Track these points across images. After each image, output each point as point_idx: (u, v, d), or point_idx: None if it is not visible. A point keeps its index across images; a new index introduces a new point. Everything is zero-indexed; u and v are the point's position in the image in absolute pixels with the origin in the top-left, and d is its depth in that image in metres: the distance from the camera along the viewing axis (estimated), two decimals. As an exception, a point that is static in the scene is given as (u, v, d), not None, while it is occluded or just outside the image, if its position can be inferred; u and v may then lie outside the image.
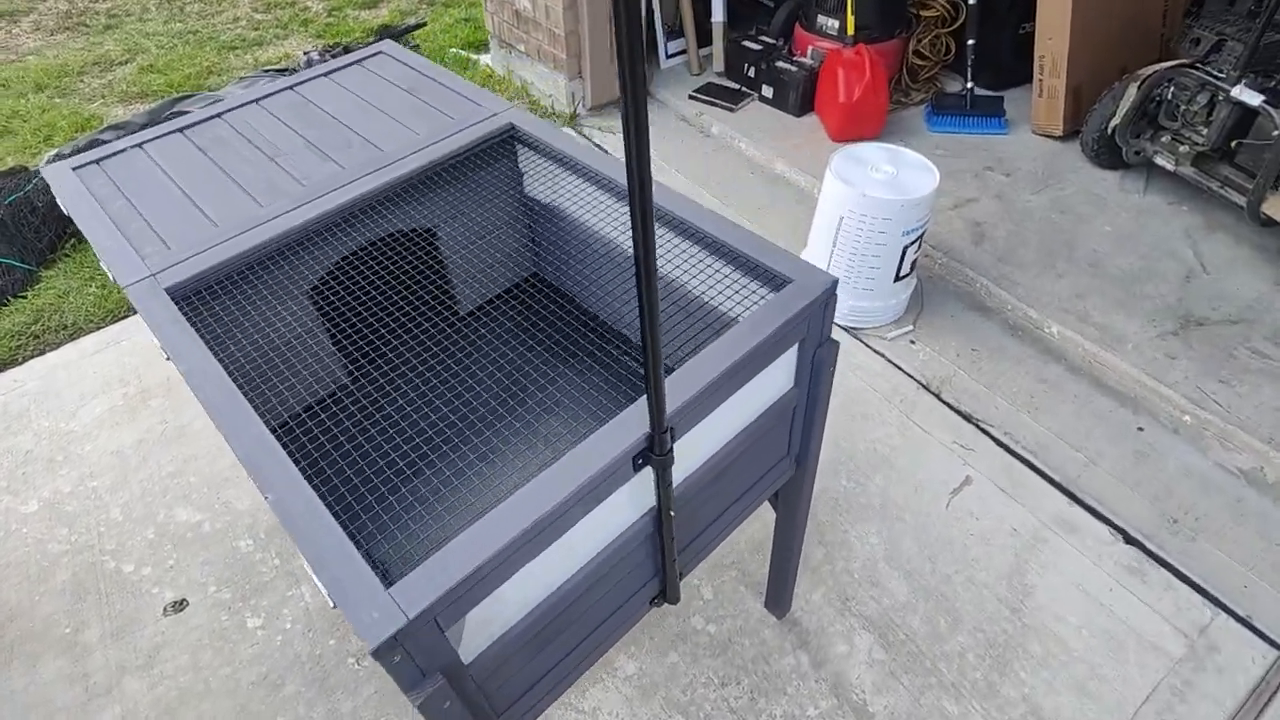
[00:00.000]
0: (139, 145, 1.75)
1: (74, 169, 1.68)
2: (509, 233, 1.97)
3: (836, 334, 2.94)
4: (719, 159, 3.90)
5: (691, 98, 4.19)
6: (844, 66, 3.65)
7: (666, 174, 3.80)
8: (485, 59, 4.80)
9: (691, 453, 1.25)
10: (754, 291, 1.39)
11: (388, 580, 0.93)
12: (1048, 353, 2.86)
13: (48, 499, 2.56)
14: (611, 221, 1.72)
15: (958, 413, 2.65)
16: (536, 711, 1.27)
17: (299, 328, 1.67)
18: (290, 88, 1.93)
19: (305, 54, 4.71)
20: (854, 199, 2.63)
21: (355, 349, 1.85)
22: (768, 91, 4.08)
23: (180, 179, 1.64)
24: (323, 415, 1.78)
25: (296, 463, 1.10)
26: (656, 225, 1.44)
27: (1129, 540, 2.28)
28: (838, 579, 2.23)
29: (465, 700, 1.06)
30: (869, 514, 2.38)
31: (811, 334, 1.34)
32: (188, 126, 1.80)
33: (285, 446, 1.11)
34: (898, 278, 2.83)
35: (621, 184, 1.64)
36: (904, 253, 2.74)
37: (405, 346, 1.95)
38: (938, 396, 2.71)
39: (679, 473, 1.24)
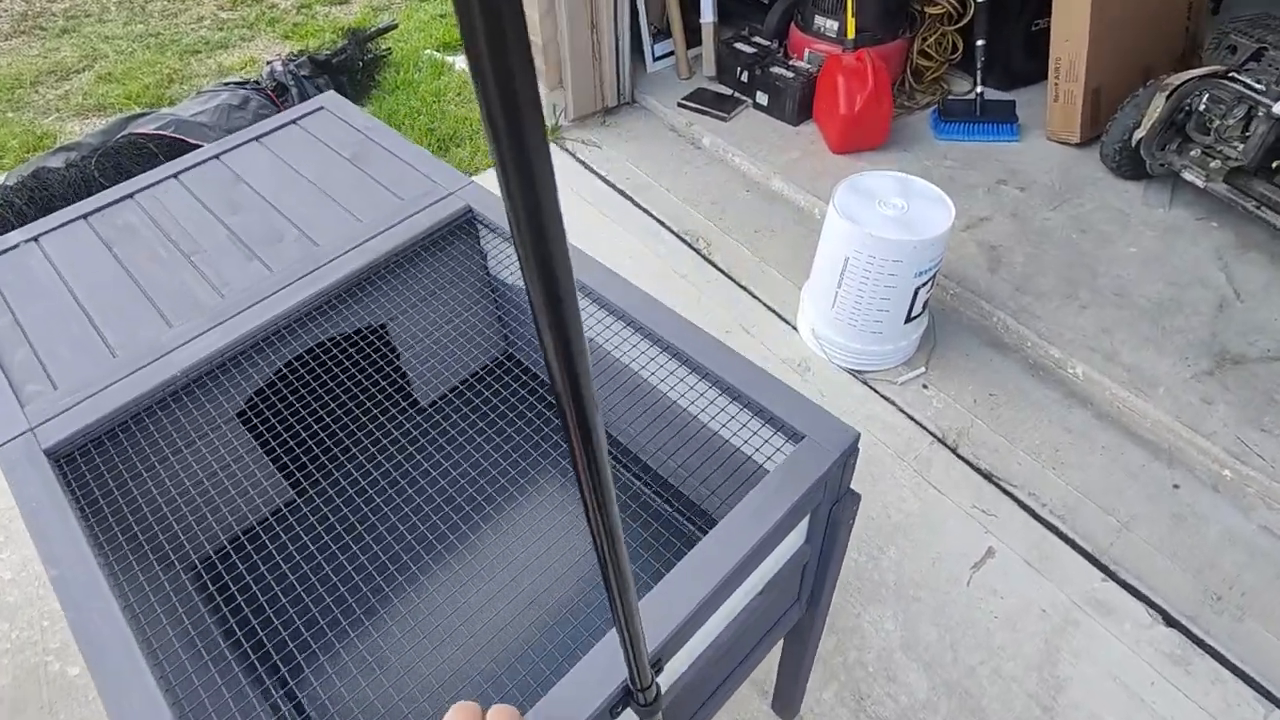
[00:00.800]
0: (34, 238, 1.50)
1: (-41, 271, 1.44)
2: (472, 317, 1.73)
3: (842, 381, 2.71)
4: (711, 174, 3.63)
5: (681, 105, 3.91)
6: (844, 74, 3.37)
7: (655, 192, 3.54)
8: (461, 62, 4.50)
9: (684, 659, 1.03)
10: (765, 441, 1.16)
11: None
12: (1072, 396, 2.64)
13: (-14, 593, 2.34)
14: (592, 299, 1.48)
15: (977, 470, 2.44)
16: None
17: (225, 456, 1.44)
18: (216, 157, 1.68)
19: (269, 64, 4.40)
20: (860, 239, 2.39)
21: (296, 465, 1.62)
22: (762, 99, 3.80)
23: (78, 287, 1.40)
24: (256, 544, 1.56)
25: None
26: (658, 351, 1.22)
27: (1169, 622, 2.08)
28: (850, 673, 2.03)
29: None
30: (883, 594, 2.17)
31: (829, 494, 1.12)
32: (92, 212, 1.55)
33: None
34: (909, 319, 2.59)
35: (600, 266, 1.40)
36: (916, 294, 2.50)
37: (358, 451, 1.73)
38: (954, 451, 2.49)
39: (669, 676, 1.02)
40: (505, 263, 1.66)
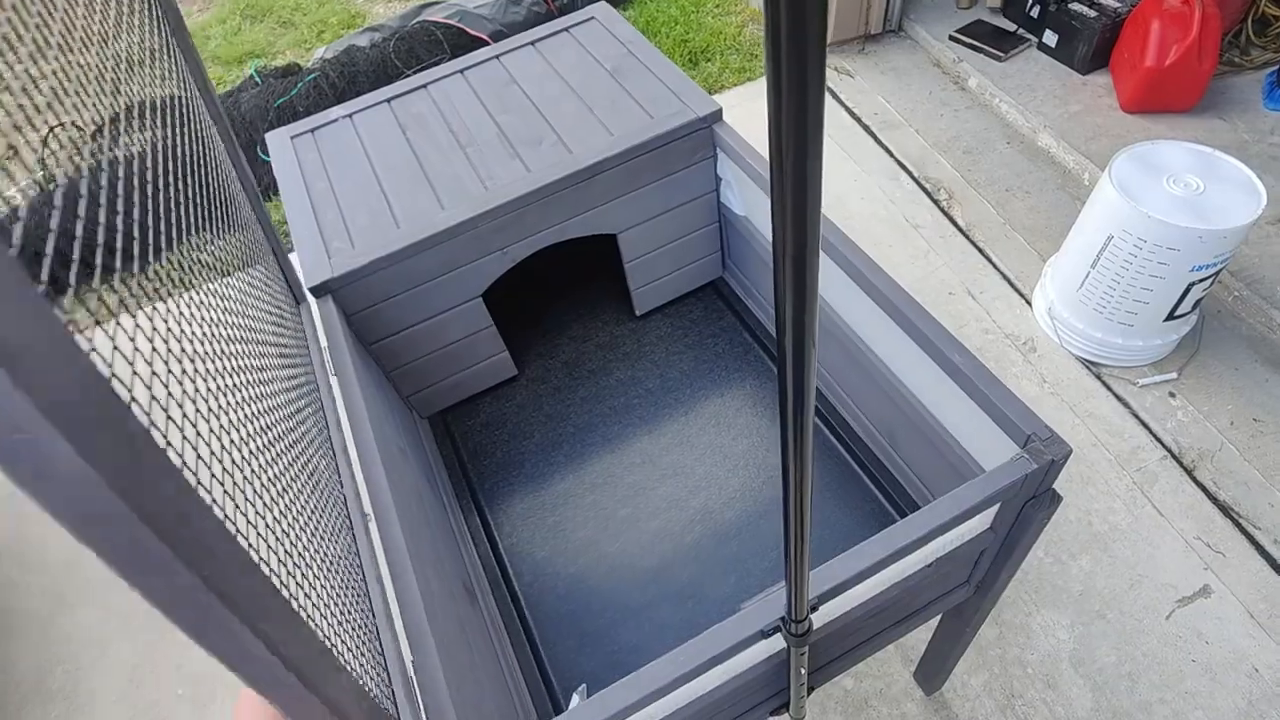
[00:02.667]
0: (349, 116, 1.76)
1: (292, 137, 1.74)
2: (697, 239, 1.79)
3: (1071, 369, 2.47)
4: (970, 120, 3.33)
5: (953, 39, 3.58)
6: (1161, 18, 2.88)
7: (903, 133, 3.32)
8: (725, -26, 4.41)
9: (839, 606, 1.07)
10: (974, 432, 1.13)
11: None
12: (1367, 443, 2.21)
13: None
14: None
15: (1213, 500, 2.15)
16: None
17: (469, 327, 1.65)
18: (496, 57, 1.84)
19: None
20: (1132, 218, 2.11)
21: (523, 347, 1.83)
22: (1050, 39, 3.37)
23: (378, 163, 1.64)
24: (479, 410, 1.79)
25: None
26: (881, 317, 1.21)
27: None
28: (1007, 668, 1.96)
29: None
30: (1063, 600, 2.04)
31: (1023, 492, 1.07)
32: (394, 98, 1.78)
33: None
34: (1171, 316, 2.28)
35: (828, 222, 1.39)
36: (1188, 290, 2.18)
37: (574, 347, 1.90)
38: (1190, 473, 2.21)
39: (824, 616, 1.07)
40: (737, 190, 1.69)
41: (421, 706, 0.93)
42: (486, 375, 1.79)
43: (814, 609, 0.94)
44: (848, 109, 3.49)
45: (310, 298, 1.43)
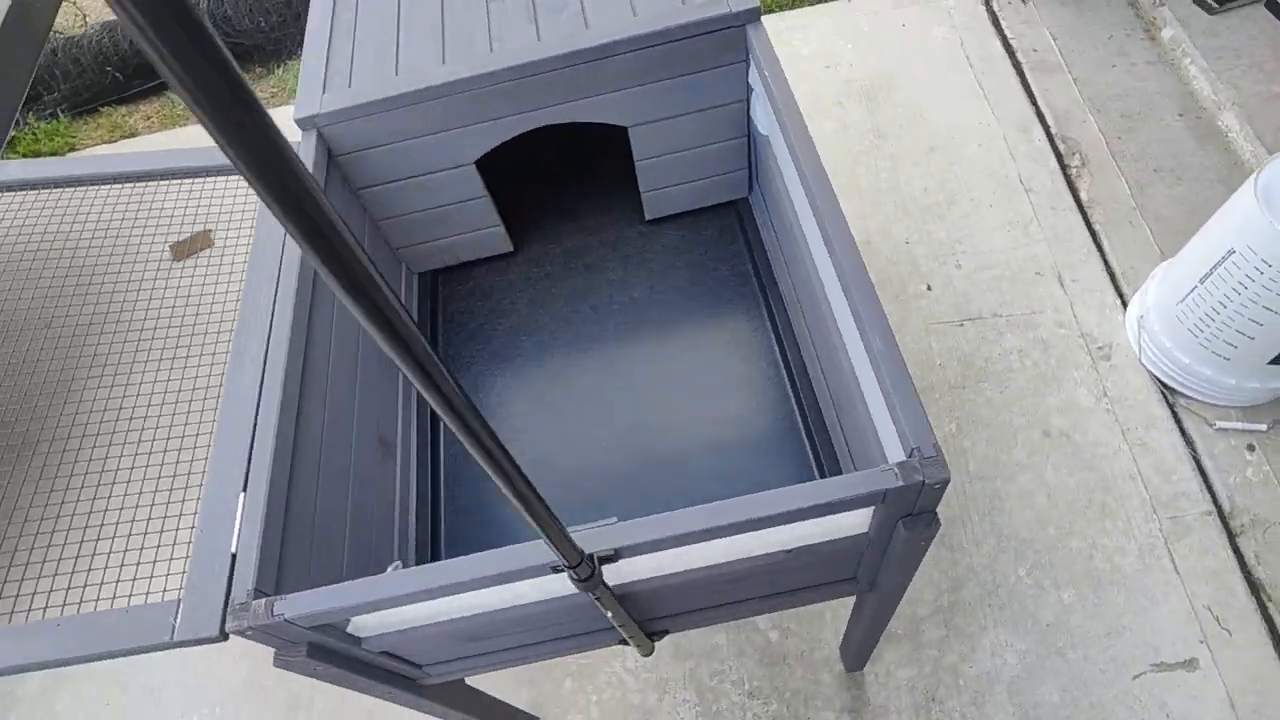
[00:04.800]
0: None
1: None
2: (720, 151, 1.65)
3: (1141, 389, 2.17)
4: (1146, 79, 2.82)
5: (1162, -25, 2.98)
6: None
7: (1058, 79, 2.86)
8: None
9: (661, 566, 1.02)
10: (865, 436, 1.01)
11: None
12: None
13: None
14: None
15: (1246, 573, 1.89)
16: (466, 671, 1.29)
17: (461, 194, 1.63)
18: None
19: None
20: (1264, 234, 1.75)
21: (527, 225, 1.79)
22: (1284, -4, 2.74)
23: (407, 3, 1.58)
24: (471, 278, 1.80)
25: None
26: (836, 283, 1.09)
27: None
28: (939, 672, 1.87)
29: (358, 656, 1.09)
30: (1026, 626, 1.90)
31: (895, 509, 0.96)
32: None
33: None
34: (1278, 359, 1.93)
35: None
36: (1307, 335, 1.83)
37: (579, 236, 1.84)
38: (1232, 537, 1.94)
39: (639, 571, 1.04)
40: (764, 106, 1.52)
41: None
42: (478, 245, 1.78)
43: (609, 559, 0.91)
44: (1004, 38, 3.04)
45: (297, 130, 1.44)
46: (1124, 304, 2.34)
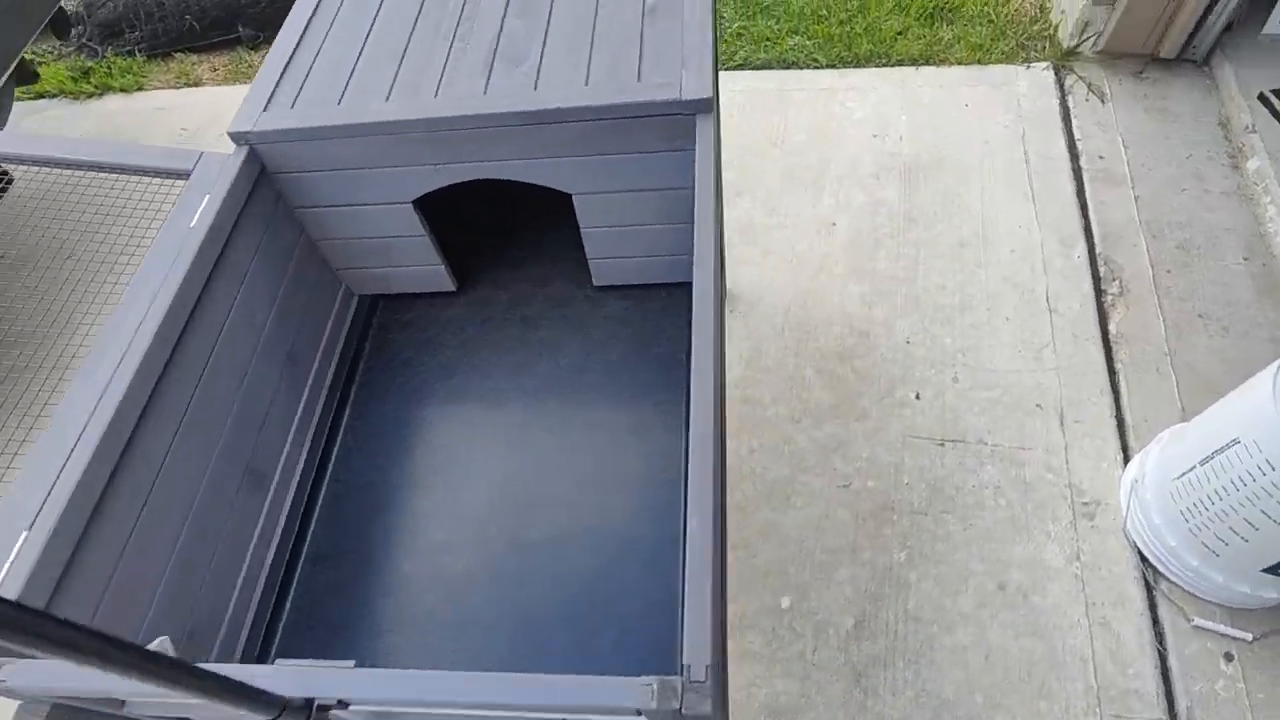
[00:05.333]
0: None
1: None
2: (670, 232, 1.54)
3: (1120, 562, 1.96)
4: (1216, 210, 2.56)
5: (1263, 98, 2.70)
6: None
7: (1118, 194, 2.63)
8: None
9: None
10: None
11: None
12: None
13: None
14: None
15: (1183, 799, 1.68)
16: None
17: (398, 230, 1.57)
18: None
19: None
20: (1272, 433, 1.54)
21: (479, 265, 1.74)
22: (1395, 148, 2.43)
23: (385, 19, 1.53)
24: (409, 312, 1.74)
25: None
26: None
27: None
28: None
29: None
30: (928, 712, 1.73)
31: None
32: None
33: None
34: (1273, 570, 1.70)
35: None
36: (1307, 553, 1.60)
37: (526, 285, 1.76)
38: (1179, 754, 1.72)
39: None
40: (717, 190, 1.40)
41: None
42: (418, 280, 1.72)
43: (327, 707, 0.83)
44: (1071, 137, 2.81)
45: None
46: (1125, 460, 2.12)
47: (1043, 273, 2.49)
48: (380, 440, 1.58)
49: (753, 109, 3.12)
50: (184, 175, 1.39)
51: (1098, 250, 2.52)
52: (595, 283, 1.71)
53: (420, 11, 1.54)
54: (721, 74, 3.28)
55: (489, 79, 1.39)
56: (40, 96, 3.93)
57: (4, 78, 2.78)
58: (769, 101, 3.14)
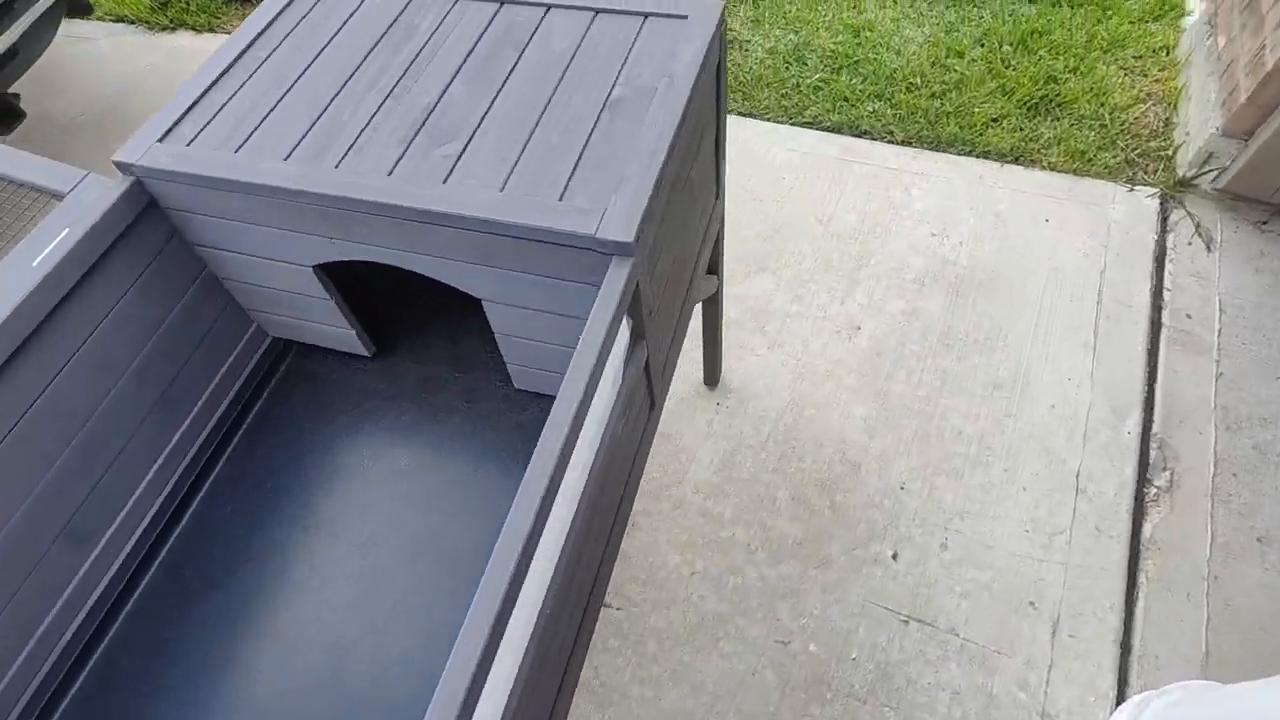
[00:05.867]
0: (366, -16, 1.45)
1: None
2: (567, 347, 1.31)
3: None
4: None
5: None
6: None
7: (1196, 362, 2.24)
8: (1190, 19, 3.12)
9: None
10: None
11: None
12: None
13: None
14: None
15: None
16: None
17: (302, 289, 1.40)
18: (551, 7, 1.39)
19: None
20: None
21: (404, 333, 1.56)
22: None
23: (325, 61, 1.34)
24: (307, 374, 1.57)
25: None
26: None
27: None
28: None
29: None
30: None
31: None
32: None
33: None
34: None
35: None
36: None
37: (443, 368, 1.57)
38: None
39: None
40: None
41: None
42: (329, 338, 1.54)
43: None
44: (1158, 285, 2.41)
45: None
46: (1119, 699, 1.78)
47: (1081, 442, 2.13)
48: (242, 504, 1.43)
49: (807, 175, 2.83)
50: (59, 196, 1.24)
51: (1154, 430, 2.14)
52: (516, 386, 1.49)
53: (367, 56, 1.34)
54: (785, 129, 2.99)
55: (402, 156, 1.18)
56: (121, 20, 3.95)
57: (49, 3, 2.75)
58: (827, 169, 2.83)
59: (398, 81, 1.30)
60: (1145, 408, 2.19)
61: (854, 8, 3.40)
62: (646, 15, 1.34)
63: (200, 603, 1.32)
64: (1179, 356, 2.26)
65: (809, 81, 3.09)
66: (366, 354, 1.57)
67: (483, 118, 1.23)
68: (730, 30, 3.37)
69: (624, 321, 1.14)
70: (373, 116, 1.25)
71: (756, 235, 2.67)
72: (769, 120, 3.03)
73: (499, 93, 1.26)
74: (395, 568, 1.33)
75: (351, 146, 1.21)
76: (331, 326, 1.51)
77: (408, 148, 1.20)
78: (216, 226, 1.32)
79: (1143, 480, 2.07)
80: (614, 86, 1.24)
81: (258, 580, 1.34)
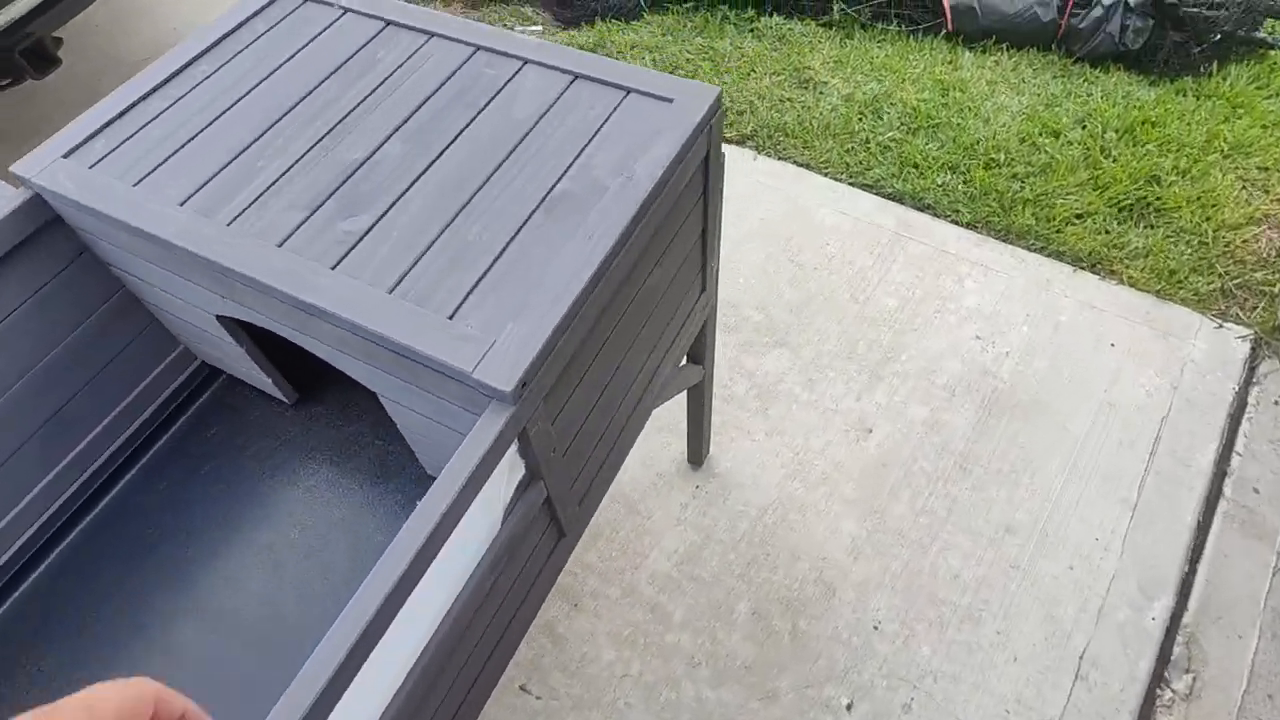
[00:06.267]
0: (347, 11, 1.30)
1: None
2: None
3: None
4: (1386, 642, 1.80)
5: None
6: None
7: (1245, 547, 1.92)
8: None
9: None
10: None
11: None
12: None
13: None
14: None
15: None
16: None
17: (213, 333, 1.27)
18: (524, 62, 1.21)
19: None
20: None
21: (330, 381, 1.43)
22: None
23: (269, 93, 1.20)
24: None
25: None
26: None
27: None
28: None
29: None
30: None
31: None
32: (390, 24, 1.28)
33: None
34: None
35: None
36: None
37: (363, 425, 1.43)
38: None
39: None
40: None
41: None
42: (249, 378, 1.42)
43: None
44: (1227, 448, 2.08)
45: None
46: None
47: (1094, 617, 1.85)
48: (117, 546, 1.32)
49: (854, 243, 2.57)
50: (-49, 204, 1.14)
51: (1185, 621, 1.84)
52: (426, 470, 1.34)
53: (314, 90, 1.19)
54: (843, 188, 2.74)
55: (303, 223, 1.03)
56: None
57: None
58: (876, 241, 2.57)
59: (333, 127, 1.15)
60: (1180, 592, 1.88)
61: (949, 62, 3.09)
62: (628, 91, 1.15)
63: (42, 654, 1.22)
64: (1234, 538, 1.94)
65: (880, 139, 2.82)
66: (286, 400, 1.44)
67: (406, 189, 1.06)
68: (809, 69, 3.11)
69: (507, 463, 0.96)
70: (290, 167, 1.10)
71: (785, 304, 2.45)
72: (827, 175, 2.78)
73: (434, 161, 1.09)
74: (241, 652, 1.20)
75: (255, 201, 1.06)
76: (246, 369, 1.38)
77: (312, 214, 1.04)
78: (120, 253, 1.20)
79: (1158, 679, 1.78)
80: (562, 176, 1.06)
81: (110, 633, 1.24)
